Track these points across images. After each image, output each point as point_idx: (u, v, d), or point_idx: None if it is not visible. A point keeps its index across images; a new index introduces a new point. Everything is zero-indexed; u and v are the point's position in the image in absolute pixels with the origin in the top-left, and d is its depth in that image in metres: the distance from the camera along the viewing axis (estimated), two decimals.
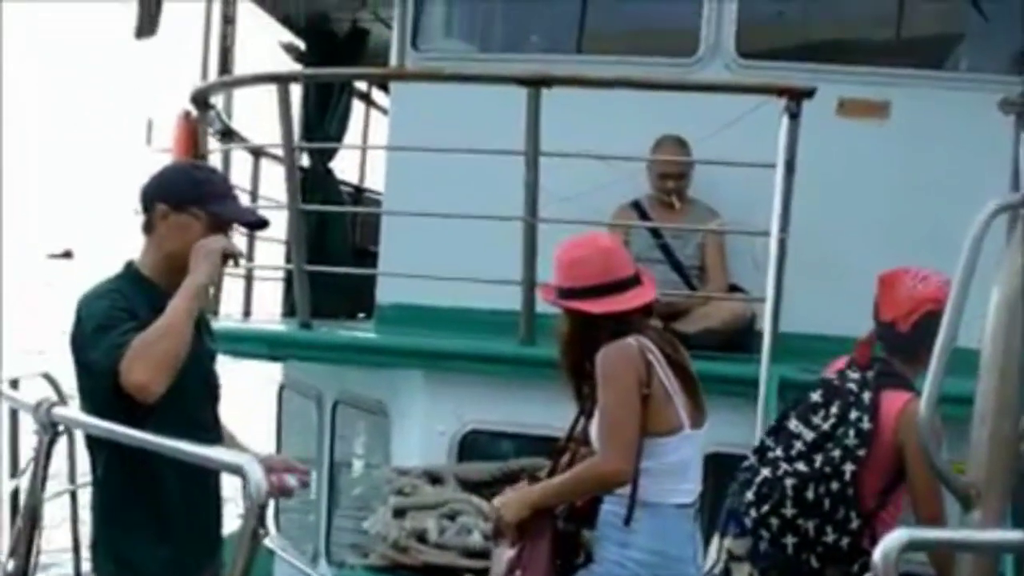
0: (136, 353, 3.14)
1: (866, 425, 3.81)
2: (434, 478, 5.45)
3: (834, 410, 3.90)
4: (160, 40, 7.16)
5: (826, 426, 3.88)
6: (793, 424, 3.98)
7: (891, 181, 6.21)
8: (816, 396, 4.01)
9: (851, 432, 3.81)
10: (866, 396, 3.87)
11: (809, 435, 3.90)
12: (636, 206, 6.31)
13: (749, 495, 3.91)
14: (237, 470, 2.71)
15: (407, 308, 6.61)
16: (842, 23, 6.90)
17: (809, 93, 5.27)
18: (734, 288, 6.15)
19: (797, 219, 5.46)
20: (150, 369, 3.14)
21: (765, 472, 3.91)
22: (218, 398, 3.68)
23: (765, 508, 3.84)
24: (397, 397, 6.22)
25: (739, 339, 5.95)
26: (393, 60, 6.72)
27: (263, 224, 3.85)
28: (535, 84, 5.50)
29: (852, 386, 3.93)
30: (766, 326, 5.24)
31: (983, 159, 5.95)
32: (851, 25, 6.90)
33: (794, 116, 5.25)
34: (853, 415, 3.84)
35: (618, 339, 3.66)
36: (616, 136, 6.05)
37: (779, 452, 3.93)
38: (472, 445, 5.90)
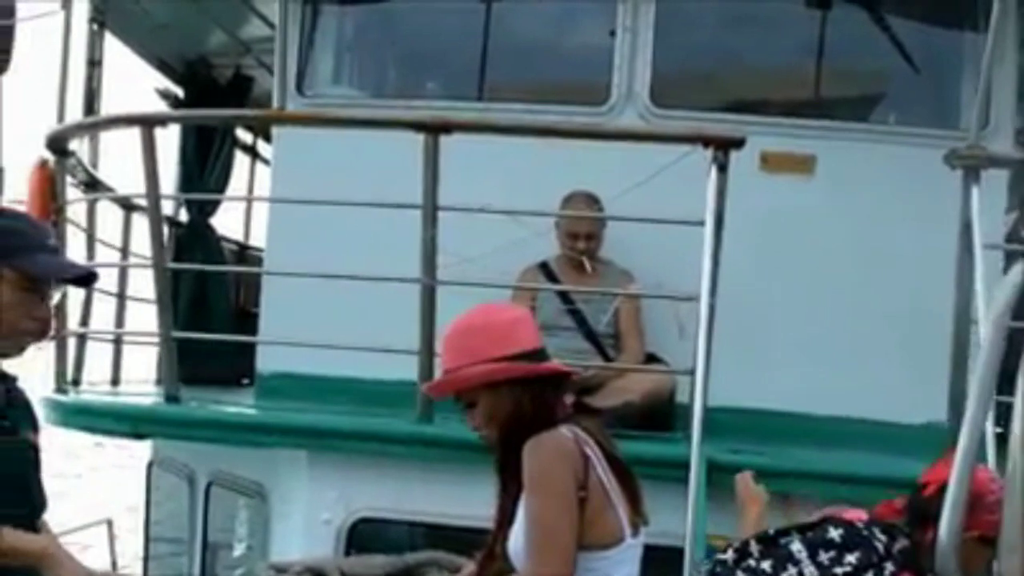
0: None
1: None
2: (317, 575, 4.79)
3: (851, 559, 3.39)
4: (16, 80, 6.47)
5: (839, 571, 3.36)
6: (796, 547, 3.46)
7: (818, 240, 5.79)
8: (834, 534, 3.47)
9: None
10: (888, 567, 3.38)
11: (810, 569, 3.38)
12: (544, 268, 5.78)
13: None
14: None
15: (291, 377, 6.01)
16: (760, 79, 6.49)
17: (738, 143, 4.79)
18: (652, 358, 5.63)
19: (719, 282, 4.96)
20: None
21: None
22: (36, 509, 3.00)
23: None
24: (278, 480, 5.55)
25: (658, 414, 5.42)
26: (275, 105, 6.10)
27: (88, 279, 3.19)
28: (434, 130, 4.95)
29: (879, 546, 3.43)
30: (696, 401, 4.69)
31: (918, 215, 5.62)
32: (769, 82, 6.50)
33: (723, 168, 4.76)
34: None
35: (548, 428, 3.03)
36: (521, 191, 5.53)
37: (766, 567, 3.43)
38: (362, 536, 5.24)
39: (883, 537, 3.44)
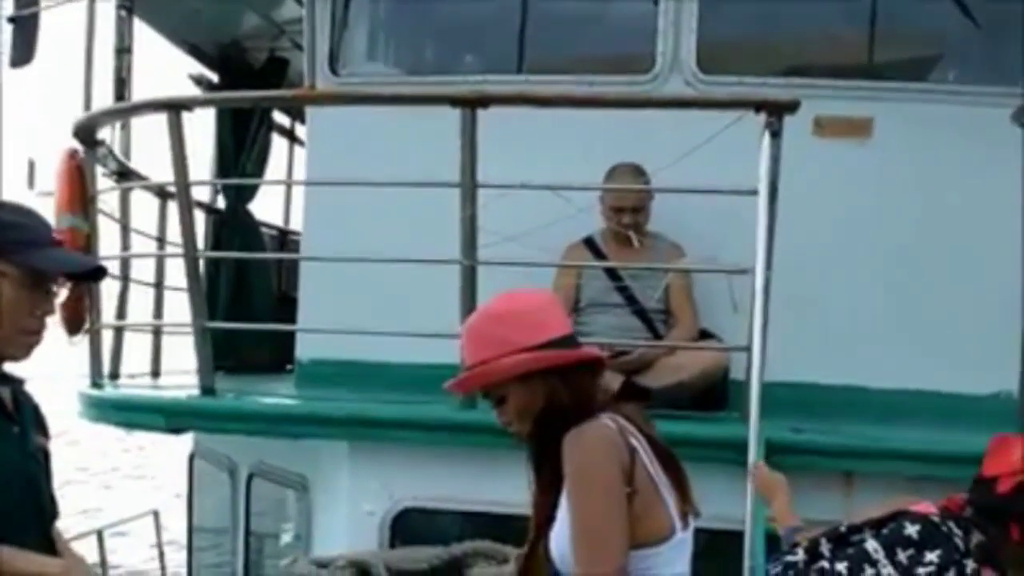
0: None
1: None
2: (362, 570, 4.62)
3: (932, 557, 3.17)
4: (43, 70, 6.35)
5: (921, 571, 3.14)
6: (871, 545, 3.23)
7: (877, 207, 5.54)
8: (911, 530, 3.25)
9: None
10: (968, 565, 3.16)
11: (888, 570, 3.17)
12: (589, 243, 5.56)
13: None
14: None
15: (331, 364, 5.86)
16: (810, 43, 6.22)
17: (792, 107, 4.54)
18: (704, 334, 5.40)
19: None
20: None
21: None
22: (48, 517, 2.83)
23: None
24: (319, 471, 5.39)
25: (712, 392, 5.20)
26: (306, 85, 5.92)
27: (96, 274, 3.03)
28: (470, 104, 4.74)
29: (958, 542, 3.20)
30: (753, 379, 4.46)
31: (982, 177, 5.37)
32: (820, 46, 6.23)
33: (776, 134, 4.51)
34: None
35: (588, 418, 2.79)
36: (564, 165, 5.32)
37: (841, 568, 3.22)
38: (407, 526, 5.07)
39: (959, 532, 3.22)
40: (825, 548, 3.28)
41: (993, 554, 3.18)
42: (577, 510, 2.68)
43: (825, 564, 3.22)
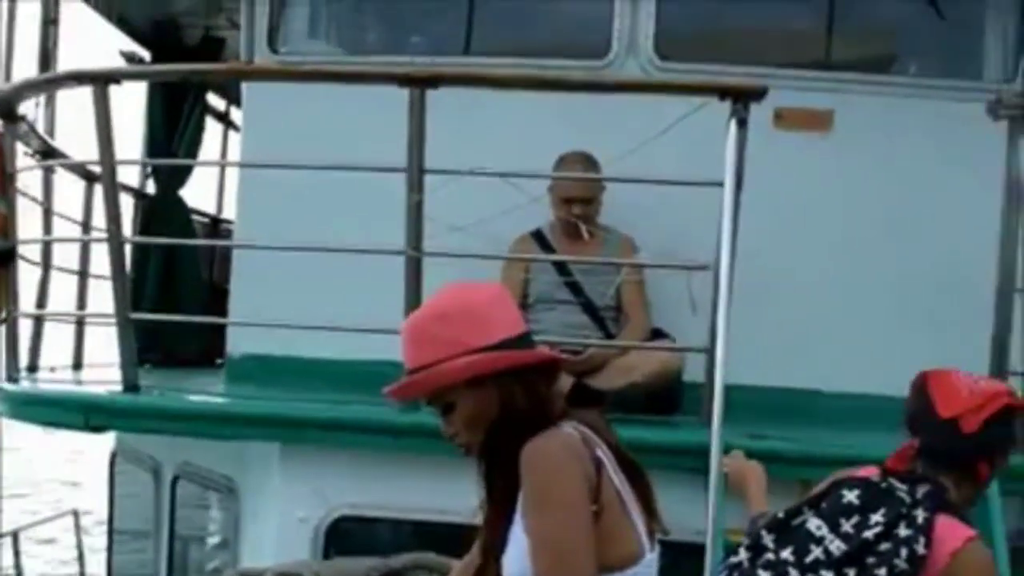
0: None
1: (920, 549, 2.91)
2: None
3: (877, 518, 2.98)
4: None
5: (869, 534, 2.95)
6: (813, 524, 3.03)
7: (838, 202, 5.37)
8: (851, 496, 3.06)
9: (902, 552, 2.91)
10: (919, 514, 2.97)
11: (836, 544, 2.97)
12: (537, 236, 5.30)
13: None
14: None
15: (264, 360, 5.57)
16: (769, 37, 6.00)
17: (759, 93, 4.31)
18: (657, 333, 5.16)
19: None
20: None
21: None
22: None
23: None
24: (248, 474, 5.08)
25: (663, 395, 4.95)
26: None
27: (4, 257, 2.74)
28: (420, 83, 4.46)
29: (903, 496, 3.02)
30: (716, 383, 4.20)
31: (944, 173, 5.26)
32: (780, 40, 6.02)
33: (742, 122, 4.28)
34: (903, 532, 2.94)
35: (546, 427, 2.51)
36: (516, 152, 5.06)
37: (787, 555, 3.00)
38: (342, 536, 4.77)
39: (903, 485, 3.05)
40: (768, 539, 3.08)
41: (945, 499, 3.05)
42: (536, 530, 2.39)
43: (770, 556, 3.02)
